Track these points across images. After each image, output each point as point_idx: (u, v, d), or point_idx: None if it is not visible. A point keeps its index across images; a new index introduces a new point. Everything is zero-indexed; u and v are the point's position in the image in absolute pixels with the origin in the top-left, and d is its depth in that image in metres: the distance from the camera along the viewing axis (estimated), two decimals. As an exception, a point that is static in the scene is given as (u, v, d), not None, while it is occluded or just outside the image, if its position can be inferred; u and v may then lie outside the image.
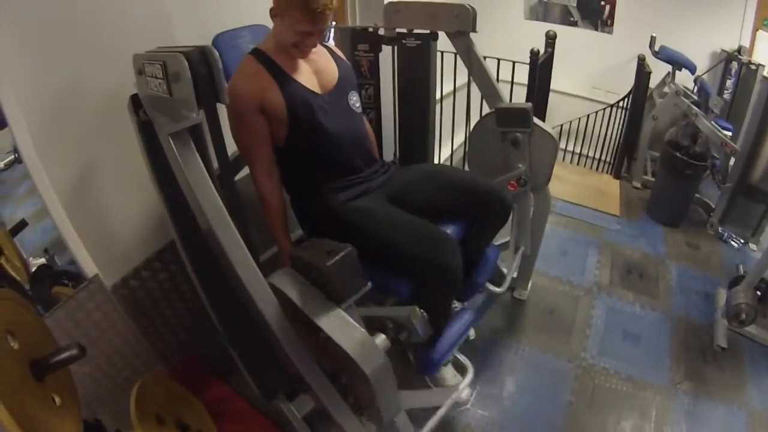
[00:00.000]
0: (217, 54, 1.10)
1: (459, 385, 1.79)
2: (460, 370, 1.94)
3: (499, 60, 3.16)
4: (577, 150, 4.60)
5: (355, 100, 1.74)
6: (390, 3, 2.00)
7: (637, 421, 2.07)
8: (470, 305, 2.01)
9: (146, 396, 1.49)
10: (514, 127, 1.97)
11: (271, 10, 1.51)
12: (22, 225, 1.46)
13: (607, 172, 4.18)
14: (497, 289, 2.11)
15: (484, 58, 3.12)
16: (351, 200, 1.66)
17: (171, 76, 1.04)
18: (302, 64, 1.62)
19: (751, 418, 2.09)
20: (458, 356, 1.93)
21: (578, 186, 3.85)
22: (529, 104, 1.98)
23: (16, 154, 1.40)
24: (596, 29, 4.51)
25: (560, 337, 2.46)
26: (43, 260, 1.54)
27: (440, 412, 1.67)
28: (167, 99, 1.08)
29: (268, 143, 1.59)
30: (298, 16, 1.44)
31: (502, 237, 2.36)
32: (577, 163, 4.54)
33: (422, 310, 1.27)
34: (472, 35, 1.93)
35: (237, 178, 1.61)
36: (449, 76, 2.88)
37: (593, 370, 2.29)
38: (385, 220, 1.56)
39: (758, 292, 2.33)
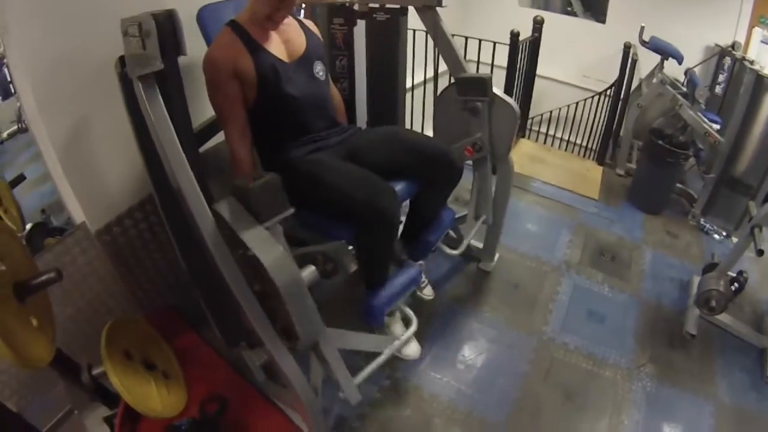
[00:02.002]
0: (179, 16, 1.34)
1: (402, 336, 1.84)
2: (408, 324, 1.95)
3: (480, 41, 3.17)
4: (565, 137, 4.58)
5: (319, 69, 1.86)
6: None
7: (593, 397, 2.05)
8: (427, 267, 2.10)
9: (118, 332, 1.60)
10: (474, 96, 2.05)
11: None
12: (20, 178, 1.61)
13: (591, 159, 4.15)
14: (452, 251, 2.19)
15: (466, 38, 3.15)
16: (307, 154, 1.80)
17: (144, 33, 1.22)
18: (273, 34, 1.75)
19: (717, 410, 2.05)
20: (405, 309, 1.96)
21: (559, 169, 3.82)
22: (488, 74, 2.06)
23: (20, 125, 1.57)
24: (597, 21, 4.48)
25: (523, 310, 2.45)
26: (40, 219, 1.71)
27: (379, 359, 1.74)
28: (142, 54, 1.25)
29: (242, 106, 1.71)
30: None
31: (465, 209, 2.40)
32: (565, 149, 4.51)
33: (350, 247, 1.41)
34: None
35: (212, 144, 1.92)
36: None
37: (553, 344, 2.28)
38: (333, 170, 1.71)
39: (735, 284, 2.28)
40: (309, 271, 1.34)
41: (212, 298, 1.74)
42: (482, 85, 2.01)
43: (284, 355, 1.42)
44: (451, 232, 2.42)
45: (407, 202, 2.02)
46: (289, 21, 1.82)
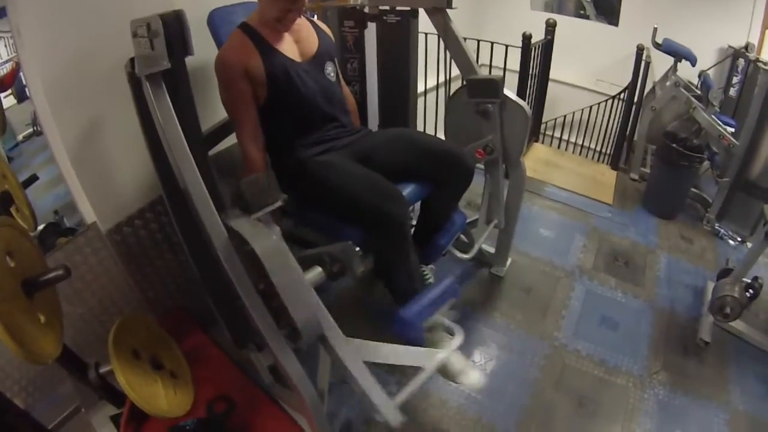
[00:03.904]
0: (186, 16, 1.36)
1: (445, 348, 1.59)
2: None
3: (492, 44, 3.15)
4: (579, 141, 4.55)
5: (330, 70, 1.87)
6: None
7: (605, 405, 2.01)
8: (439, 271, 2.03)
9: (126, 331, 1.62)
10: (485, 98, 2.03)
11: None
12: (33, 178, 1.64)
13: (606, 163, 4.11)
14: (463, 255, 2.15)
15: (478, 41, 3.14)
16: (317, 155, 1.80)
17: (152, 33, 1.26)
18: (285, 34, 1.76)
19: (731, 418, 2.00)
20: (446, 322, 1.69)
21: (573, 173, 3.79)
22: (499, 75, 2.04)
23: (35, 127, 1.61)
24: (609, 23, 4.45)
25: (535, 315, 2.42)
26: (52, 220, 1.73)
27: (422, 376, 1.48)
28: (150, 54, 1.28)
29: (253, 107, 1.72)
30: None
31: (477, 214, 2.38)
32: (579, 154, 4.48)
33: (357, 248, 1.38)
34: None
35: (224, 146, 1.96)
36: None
37: (565, 350, 2.24)
38: (342, 172, 1.70)
39: (750, 291, 2.24)
40: (315, 273, 1.36)
41: (221, 299, 1.74)
42: (493, 86, 2.00)
43: (288, 356, 1.40)
44: (463, 237, 2.38)
45: (419, 204, 2.02)
46: (302, 21, 1.83)
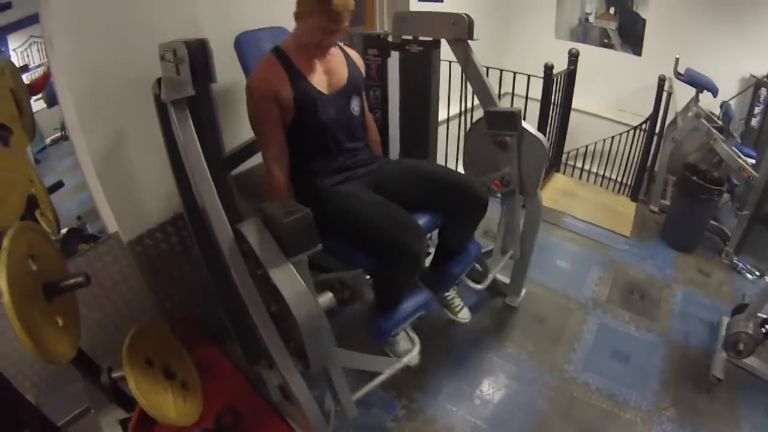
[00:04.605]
0: (210, 45, 1.43)
1: (402, 359, 1.87)
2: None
3: (515, 74, 3.19)
4: (600, 172, 4.52)
5: (355, 104, 1.89)
6: (398, 13, 2.15)
7: (611, 440, 1.99)
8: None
9: (141, 339, 1.68)
10: (503, 130, 2.06)
11: (295, 12, 1.69)
12: (58, 185, 1.69)
13: (626, 194, 4.08)
14: (476, 285, 2.17)
15: (501, 71, 3.17)
16: (336, 184, 1.84)
17: (178, 59, 1.32)
18: (316, 63, 1.78)
19: None
20: (409, 333, 1.98)
21: (591, 204, 3.77)
22: (518, 108, 2.07)
23: (63, 132, 1.68)
24: (633, 53, 4.45)
25: (546, 346, 2.41)
26: (75, 225, 1.79)
27: (380, 378, 1.81)
28: (176, 78, 1.34)
29: (281, 130, 1.75)
30: (322, 16, 1.61)
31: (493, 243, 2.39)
32: (600, 185, 4.45)
33: (368, 276, 1.45)
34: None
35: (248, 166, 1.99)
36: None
37: (574, 383, 2.23)
38: (362, 203, 1.73)
39: (766, 327, 2.19)
40: (327, 298, 1.40)
41: (236, 316, 1.79)
42: (512, 119, 2.02)
43: (295, 377, 1.45)
44: (478, 266, 2.41)
45: (436, 231, 2.05)
46: (334, 50, 1.85)
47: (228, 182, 1.73)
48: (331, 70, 1.81)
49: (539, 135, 2.05)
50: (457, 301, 2.23)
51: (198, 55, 1.37)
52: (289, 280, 1.25)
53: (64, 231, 1.73)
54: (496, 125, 2.06)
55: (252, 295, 1.38)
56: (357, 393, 1.71)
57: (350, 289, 1.42)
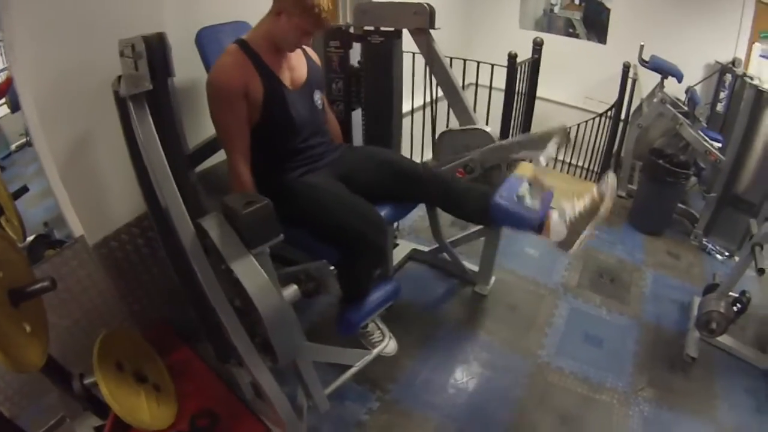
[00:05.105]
0: (168, 39, 1.39)
1: (374, 351, 1.91)
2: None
3: (478, 63, 3.18)
4: (567, 159, 4.55)
5: (318, 98, 1.88)
6: (359, 4, 2.13)
7: (589, 423, 2.01)
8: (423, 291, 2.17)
9: (110, 344, 1.65)
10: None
11: (276, 8, 1.64)
12: (23, 190, 1.65)
13: (593, 181, 4.12)
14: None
15: (464, 60, 3.16)
16: (301, 176, 1.81)
17: (136, 54, 1.30)
18: (281, 59, 1.74)
19: (719, 431, 2.01)
20: (379, 324, 2.00)
21: (559, 191, 3.73)
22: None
23: (28, 137, 1.62)
24: (598, 41, 4.49)
25: (518, 333, 2.43)
26: (42, 231, 1.75)
27: (351, 371, 1.86)
28: (135, 74, 1.32)
29: (247, 128, 1.69)
30: (307, 19, 1.60)
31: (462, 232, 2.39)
32: (567, 172, 4.49)
33: (332, 267, 1.45)
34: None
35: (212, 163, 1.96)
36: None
37: (548, 368, 2.25)
38: (326, 195, 1.73)
39: (738, 305, 2.23)
40: (291, 290, 1.41)
41: (204, 314, 1.74)
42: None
43: (264, 373, 1.44)
44: (446, 256, 2.41)
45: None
46: None
47: (191, 179, 1.69)
48: (293, 67, 1.80)
49: (483, 127, 2.09)
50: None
51: (156, 49, 1.34)
52: (251, 272, 1.25)
53: (31, 238, 1.68)
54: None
55: (216, 291, 1.36)
56: (329, 387, 1.73)
57: (315, 280, 1.43)
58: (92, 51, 1.63)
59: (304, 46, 1.88)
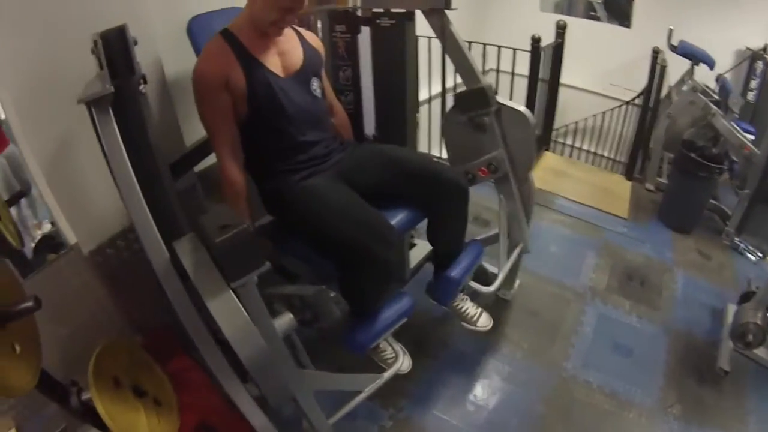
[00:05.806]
0: (129, 32, 1.26)
1: (385, 374, 1.69)
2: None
3: (499, 48, 3.01)
4: (592, 149, 4.41)
5: (316, 86, 1.75)
6: None
7: (615, 442, 1.89)
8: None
9: (107, 358, 1.56)
10: (477, 110, 1.89)
11: None
12: (19, 195, 1.56)
13: (619, 173, 3.97)
14: (486, 289, 1.97)
15: (484, 45, 2.99)
16: (301, 180, 1.69)
17: (98, 51, 1.20)
18: (268, 45, 1.64)
19: None
20: (391, 342, 1.80)
21: (584, 184, 3.64)
22: (488, 82, 1.89)
23: None
24: (622, 26, 4.33)
25: (542, 343, 2.29)
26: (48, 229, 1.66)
27: (360, 397, 1.63)
28: (100, 73, 1.22)
29: (233, 123, 1.62)
30: None
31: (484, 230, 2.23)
32: (592, 163, 4.34)
33: (334, 293, 1.33)
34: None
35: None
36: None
37: (574, 382, 2.11)
38: (328, 202, 1.60)
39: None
40: (285, 321, 1.28)
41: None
42: (482, 95, 1.85)
43: (255, 412, 1.30)
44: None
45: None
46: (287, 31, 1.70)
47: (169, 192, 1.55)
48: (284, 52, 1.68)
49: (520, 107, 1.89)
50: (472, 310, 1.99)
51: (114, 45, 1.20)
52: (228, 312, 1.10)
53: (36, 239, 1.61)
54: (467, 106, 1.90)
55: (195, 324, 1.21)
56: (335, 415, 1.56)
57: (311, 308, 1.29)
58: (69, 49, 1.51)
59: (300, 30, 1.79)
